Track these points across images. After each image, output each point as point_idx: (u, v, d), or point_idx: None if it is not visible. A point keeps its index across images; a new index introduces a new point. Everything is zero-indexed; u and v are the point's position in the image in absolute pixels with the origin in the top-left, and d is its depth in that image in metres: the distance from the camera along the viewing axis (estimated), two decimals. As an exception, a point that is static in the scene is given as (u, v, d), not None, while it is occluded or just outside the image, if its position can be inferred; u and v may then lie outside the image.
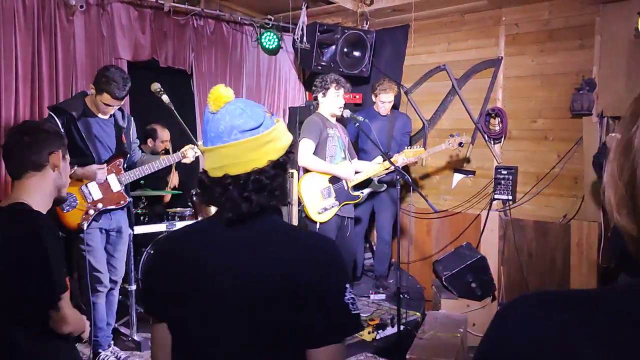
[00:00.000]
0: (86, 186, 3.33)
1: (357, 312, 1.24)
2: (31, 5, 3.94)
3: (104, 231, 3.46)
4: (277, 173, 1.31)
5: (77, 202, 3.32)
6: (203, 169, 1.35)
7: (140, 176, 3.50)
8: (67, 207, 3.30)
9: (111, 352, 3.46)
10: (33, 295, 1.77)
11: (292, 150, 1.36)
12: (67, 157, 2.02)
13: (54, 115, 3.30)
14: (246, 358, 1.25)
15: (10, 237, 1.79)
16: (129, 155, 3.58)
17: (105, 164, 3.38)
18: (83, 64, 4.26)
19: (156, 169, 3.49)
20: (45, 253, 1.74)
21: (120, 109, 3.56)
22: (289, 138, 1.36)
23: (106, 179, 3.40)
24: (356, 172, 4.18)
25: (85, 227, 3.27)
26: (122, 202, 3.45)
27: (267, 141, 1.29)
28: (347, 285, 1.24)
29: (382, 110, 4.76)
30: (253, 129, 1.28)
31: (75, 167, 3.27)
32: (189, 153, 3.56)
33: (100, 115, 3.42)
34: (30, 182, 1.89)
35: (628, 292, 0.70)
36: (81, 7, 4.14)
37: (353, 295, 1.24)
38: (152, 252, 1.42)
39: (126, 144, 3.54)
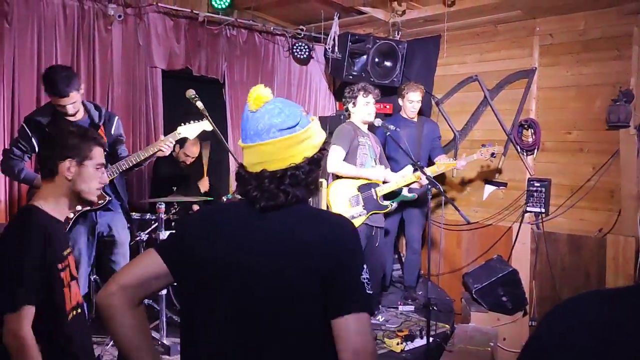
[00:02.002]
0: None
1: (371, 293, 1.35)
2: (71, 15, 4.08)
3: (90, 237, 3.35)
4: (312, 169, 1.40)
5: None
6: (241, 164, 1.44)
7: (118, 172, 3.34)
8: None
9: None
10: None
11: (325, 148, 1.45)
12: (89, 161, 1.98)
13: (24, 126, 3.29)
14: (275, 333, 1.30)
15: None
16: (111, 151, 3.41)
17: None
18: (119, 72, 4.37)
19: (132, 164, 3.33)
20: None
21: (98, 109, 3.46)
22: (322, 136, 1.45)
23: None
24: (385, 182, 4.16)
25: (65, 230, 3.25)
26: (100, 201, 3.33)
27: (302, 139, 1.37)
28: (365, 266, 1.35)
29: (410, 111, 4.74)
30: (290, 128, 1.36)
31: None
32: (165, 147, 3.37)
33: (71, 117, 3.33)
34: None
35: None
36: (119, 17, 4.26)
37: (368, 277, 1.34)
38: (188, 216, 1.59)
39: (105, 142, 3.43)
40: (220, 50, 4.95)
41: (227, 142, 3.81)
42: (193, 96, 2.95)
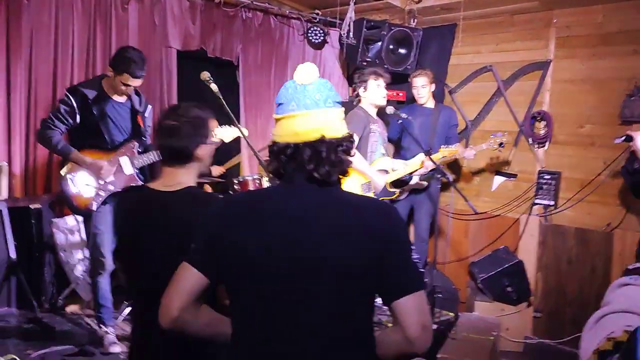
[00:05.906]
0: None
1: (422, 271, 1.40)
2: (89, -8, 4.09)
3: None
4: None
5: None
6: (274, 138, 1.45)
7: (153, 160, 3.46)
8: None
9: (113, 328, 3.50)
10: None
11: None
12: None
13: (69, 96, 3.35)
14: (329, 316, 1.35)
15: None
16: (143, 139, 3.60)
17: (113, 162, 3.41)
18: (135, 52, 4.38)
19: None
20: None
21: (138, 94, 3.57)
22: None
23: (119, 160, 3.43)
24: (392, 170, 4.18)
25: (94, 208, 3.34)
26: (132, 184, 3.45)
27: (342, 114, 1.50)
28: (413, 247, 1.41)
29: (418, 97, 4.73)
30: (339, 103, 1.49)
31: (86, 158, 3.34)
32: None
33: (116, 97, 3.44)
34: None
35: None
36: (136, -5, 4.27)
37: (418, 257, 1.42)
38: (221, 203, 1.60)
39: (143, 128, 3.56)
40: (236, 32, 4.95)
41: (239, 124, 3.85)
42: (208, 78, 2.98)
